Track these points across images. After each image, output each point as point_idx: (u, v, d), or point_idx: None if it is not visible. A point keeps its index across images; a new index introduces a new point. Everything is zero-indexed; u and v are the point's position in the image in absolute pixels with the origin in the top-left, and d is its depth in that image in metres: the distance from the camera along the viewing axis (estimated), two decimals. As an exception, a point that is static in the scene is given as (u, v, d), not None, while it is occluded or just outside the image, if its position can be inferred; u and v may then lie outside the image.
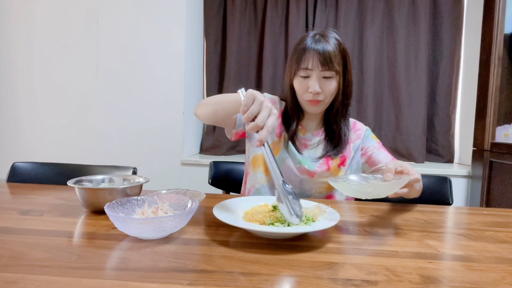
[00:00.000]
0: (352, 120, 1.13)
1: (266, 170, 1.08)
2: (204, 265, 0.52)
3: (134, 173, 1.27)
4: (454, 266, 0.56)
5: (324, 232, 0.70)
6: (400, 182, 0.70)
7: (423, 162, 2.26)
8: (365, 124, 2.31)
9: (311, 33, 0.99)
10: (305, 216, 0.70)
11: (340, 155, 1.06)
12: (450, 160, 2.30)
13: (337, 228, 0.72)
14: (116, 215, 0.61)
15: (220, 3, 2.39)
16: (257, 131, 0.64)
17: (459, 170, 2.03)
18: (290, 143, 1.06)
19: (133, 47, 2.13)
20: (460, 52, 2.25)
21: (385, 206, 0.95)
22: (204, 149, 2.44)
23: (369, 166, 1.08)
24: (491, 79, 1.84)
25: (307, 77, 0.97)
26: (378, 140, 1.12)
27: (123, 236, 0.64)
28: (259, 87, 2.42)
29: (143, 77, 2.12)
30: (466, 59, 2.24)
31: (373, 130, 2.28)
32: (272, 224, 0.66)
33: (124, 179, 0.93)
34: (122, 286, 0.45)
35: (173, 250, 0.58)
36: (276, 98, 1.14)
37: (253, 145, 1.10)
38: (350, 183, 0.81)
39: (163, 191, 0.86)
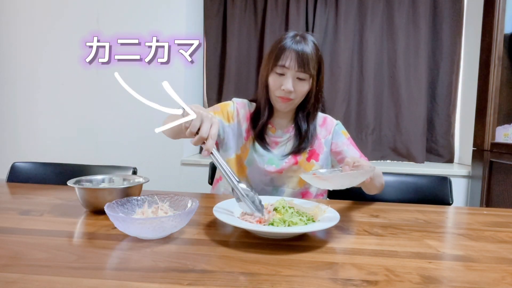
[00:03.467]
0: (322, 115, 1.15)
1: (238, 173, 1.11)
2: (204, 265, 0.52)
3: (134, 173, 1.27)
4: (454, 266, 0.56)
5: (324, 232, 0.70)
6: (362, 173, 0.75)
7: (423, 162, 2.26)
8: (365, 124, 2.35)
9: (292, 33, 1.01)
10: (305, 216, 0.70)
11: (309, 149, 1.08)
12: (450, 160, 2.30)
13: (337, 228, 0.72)
14: (116, 215, 0.61)
15: (220, 3, 2.39)
16: (203, 143, 0.68)
17: (459, 170, 2.03)
18: (256, 143, 1.09)
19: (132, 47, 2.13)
20: (460, 52, 2.25)
21: (385, 206, 0.95)
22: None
23: (338, 162, 1.11)
24: (491, 79, 1.84)
25: (282, 74, 0.99)
26: (348, 136, 1.13)
27: (123, 236, 0.64)
28: (259, 87, 2.42)
29: (143, 77, 2.12)
30: (466, 59, 2.23)
31: (373, 130, 2.32)
32: (272, 224, 0.66)
33: (124, 179, 0.93)
34: (122, 286, 0.45)
35: (173, 250, 0.58)
36: (245, 101, 1.16)
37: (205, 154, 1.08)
38: (318, 174, 0.84)
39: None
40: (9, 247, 0.58)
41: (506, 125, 1.85)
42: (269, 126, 1.11)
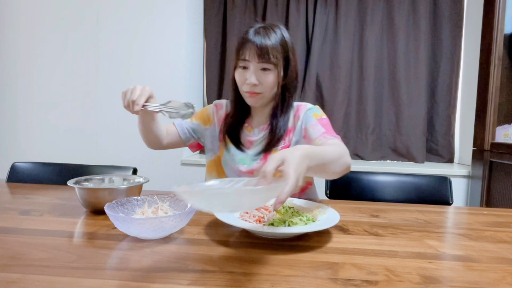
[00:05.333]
0: (296, 104, 1.07)
1: (219, 174, 1.09)
2: (204, 265, 0.52)
3: (134, 173, 1.27)
4: (454, 266, 0.56)
5: (324, 232, 0.70)
6: (274, 188, 0.52)
7: (423, 162, 2.26)
8: (365, 124, 2.34)
9: (255, 26, 0.98)
10: (305, 216, 0.70)
11: (281, 146, 1.02)
12: (450, 160, 2.29)
13: (337, 228, 0.72)
14: (116, 215, 0.61)
15: (220, 3, 2.39)
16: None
17: (459, 170, 2.03)
18: (228, 143, 1.06)
19: (133, 47, 2.13)
20: (460, 52, 2.25)
21: (385, 206, 0.95)
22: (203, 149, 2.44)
23: None
24: (491, 79, 1.84)
25: (246, 68, 0.96)
26: (320, 117, 1.01)
27: (123, 236, 0.64)
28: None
29: (143, 77, 2.12)
30: (466, 59, 2.23)
31: (373, 130, 2.32)
32: (272, 224, 0.66)
33: (124, 179, 0.93)
34: (122, 286, 0.45)
35: (173, 250, 0.58)
36: (224, 101, 1.14)
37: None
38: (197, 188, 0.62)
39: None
40: (9, 247, 0.58)
41: (506, 125, 1.85)
42: (246, 125, 1.08)
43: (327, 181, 1.22)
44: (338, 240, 0.65)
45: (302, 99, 2.30)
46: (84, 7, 2.15)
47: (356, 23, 2.29)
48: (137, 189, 0.84)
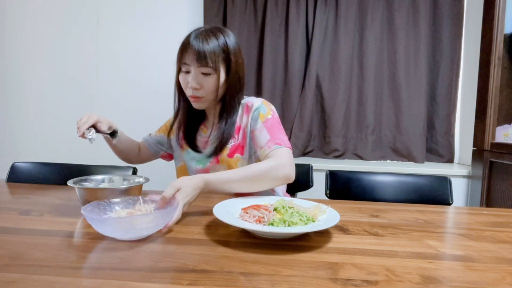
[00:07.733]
0: (244, 101, 1.07)
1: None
2: (204, 265, 0.52)
3: (134, 173, 1.27)
4: (454, 266, 0.56)
5: (324, 232, 0.70)
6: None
7: (423, 162, 2.26)
8: (365, 124, 2.34)
9: (197, 30, 0.98)
10: (305, 216, 0.70)
11: (231, 144, 1.04)
12: (450, 160, 2.30)
13: (337, 228, 0.72)
14: (92, 216, 0.60)
15: (220, 3, 2.39)
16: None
17: (459, 170, 2.03)
18: (186, 147, 1.10)
19: (133, 47, 2.13)
20: (460, 52, 2.25)
21: (385, 206, 0.95)
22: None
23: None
24: (491, 79, 1.84)
25: (188, 72, 0.97)
26: (267, 118, 1.01)
27: (123, 236, 0.64)
28: (259, 87, 2.42)
29: (143, 77, 2.12)
30: (466, 59, 2.23)
31: (373, 130, 2.32)
32: (272, 224, 0.66)
33: (124, 179, 0.93)
34: (122, 286, 0.45)
35: (173, 250, 0.58)
36: None
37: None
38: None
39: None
40: (9, 247, 0.58)
41: (506, 125, 1.85)
42: (202, 127, 1.12)
43: (327, 181, 1.22)
44: (338, 240, 0.65)
45: (302, 99, 2.30)
46: (84, 7, 2.15)
47: (356, 23, 2.29)
48: (137, 189, 0.84)
